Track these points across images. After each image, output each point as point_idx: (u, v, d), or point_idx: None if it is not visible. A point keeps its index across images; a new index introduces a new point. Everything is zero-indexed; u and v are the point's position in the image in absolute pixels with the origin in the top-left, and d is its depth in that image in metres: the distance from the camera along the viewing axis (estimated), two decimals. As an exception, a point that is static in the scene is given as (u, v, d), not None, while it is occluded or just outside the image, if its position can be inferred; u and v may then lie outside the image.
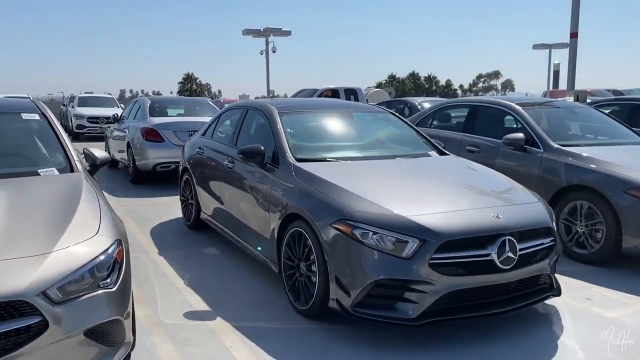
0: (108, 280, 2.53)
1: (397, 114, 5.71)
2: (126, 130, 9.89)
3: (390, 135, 5.23)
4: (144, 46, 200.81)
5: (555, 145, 5.44)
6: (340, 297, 3.33)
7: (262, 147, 4.37)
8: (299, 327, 3.57)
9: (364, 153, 4.64)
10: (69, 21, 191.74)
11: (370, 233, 3.24)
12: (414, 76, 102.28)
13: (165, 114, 10.15)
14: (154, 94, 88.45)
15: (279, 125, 4.55)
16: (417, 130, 5.28)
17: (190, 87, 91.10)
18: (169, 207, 7.23)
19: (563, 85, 20.53)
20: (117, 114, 11.69)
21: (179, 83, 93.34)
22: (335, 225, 3.36)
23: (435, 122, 7.49)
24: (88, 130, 18.22)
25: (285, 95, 44.78)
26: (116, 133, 10.70)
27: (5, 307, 2.19)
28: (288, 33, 36.04)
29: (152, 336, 3.41)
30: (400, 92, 79.21)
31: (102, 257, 2.53)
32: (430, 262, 3.16)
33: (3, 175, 3.26)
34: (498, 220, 3.38)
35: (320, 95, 17.87)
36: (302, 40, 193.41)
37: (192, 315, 3.75)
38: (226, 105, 6.58)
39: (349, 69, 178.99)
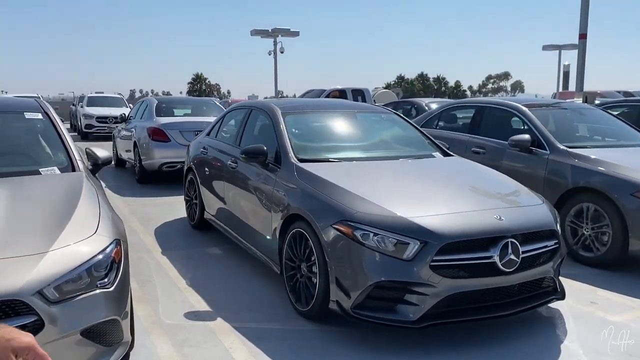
0: (106, 280, 2.52)
1: (401, 114, 5.68)
2: (133, 130, 9.93)
3: (394, 136, 5.20)
4: (155, 47, 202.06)
5: (562, 147, 5.38)
6: (340, 299, 3.31)
7: (265, 147, 4.36)
8: (300, 328, 3.55)
9: (367, 154, 4.62)
10: (83, 22, 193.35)
11: (371, 234, 3.21)
12: (422, 77, 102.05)
13: (172, 114, 10.17)
14: (163, 94, 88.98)
15: (282, 126, 4.53)
16: (421, 131, 5.24)
17: (200, 87, 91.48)
18: (174, 206, 7.24)
19: (573, 86, 20.34)
20: (124, 114, 11.74)
21: (188, 83, 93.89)
22: (336, 226, 3.34)
23: (441, 123, 7.44)
24: (96, 129, 18.32)
25: (294, 96, 44.76)
26: (123, 133, 10.74)
27: (0, 306, 2.19)
28: (296, 34, 36.06)
29: (152, 336, 3.41)
30: (409, 93, 79.06)
31: (100, 257, 2.52)
32: (432, 264, 3.13)
33: (4, 174, 3.26)
34: (500, 222, 3.34)
35: (327, 96, 17.85)
36: (311, 41, 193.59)
37: (193, 315, 3.75)
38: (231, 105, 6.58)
39: (358, 69, 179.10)
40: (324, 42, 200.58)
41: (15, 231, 2.55)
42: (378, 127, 5.31)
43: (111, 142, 12.12)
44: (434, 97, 67.76)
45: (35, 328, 2.24)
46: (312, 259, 3.53)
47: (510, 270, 3.26)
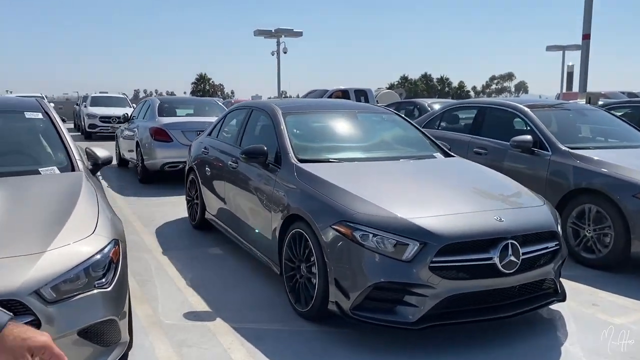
0: (103, 280, 2.52)
1: (402, 115, 5.67)
2: (135, 130, 9.94)
3: (395, 136, 5.19)
4: (159, 47, 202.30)
5: (564, 148, 5.35)
6: (339, 300, 3.30)
7: (265, 148, 4.35)
8: (299, 329, 3.54)
9: (368, 154, 4.61)
10: (88, 22, 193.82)
11: (371, 235, 3.20)
12: (426, 77, 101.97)
13: (174, 114, 10.19)
14: (167, 94, 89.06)
15: (282, 126, 4.53)
16: (422, 132, 5.23)
17: (204, 87, 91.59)
18: (176, 206, 7.24)
19: (577, 87, 20.29)
20: (127, 114, 11.76)
21: (192, 83, 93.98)
22: (335, 227, 3.33)
23: (443, 124, 7.42)
24: (100, 129, 18.37)
25: (297, 96, 44.82)
26: (126, 133, 10.76)
27: (-3, 306, 2.19)
28: (299, 34, 36.05)
29: (151, 336, 3.40)
30: (413, 93, 78.96)
31: (97, 257, 2.52)
32: (431, 265, 3.11)
33: (4, 174, 3.27)
34: (500, 224, 3.32)
35: (330, 96, 17.86)
36: (314, 41, 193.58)
37: (192, 315, 3.74)
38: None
39: (361, 69, 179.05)
40: (327, 42, 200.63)
41: (12, 231, 2.55)
42: (379, 128, 5.30)
43: (114, 142, 12.15)
44: (438, 97, 67.72)
45: (32, 328, 2.23)
46: (312, 259, 3.52)
47: (510, 271, 3.24)
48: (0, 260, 2.32)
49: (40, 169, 3.40)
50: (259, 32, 35.45)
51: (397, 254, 3.14)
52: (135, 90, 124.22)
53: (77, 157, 3.60)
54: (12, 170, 3.35)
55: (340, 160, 4.32)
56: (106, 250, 2.57)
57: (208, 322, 3.63)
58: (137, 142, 9.60)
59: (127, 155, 10.62)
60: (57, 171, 3.43)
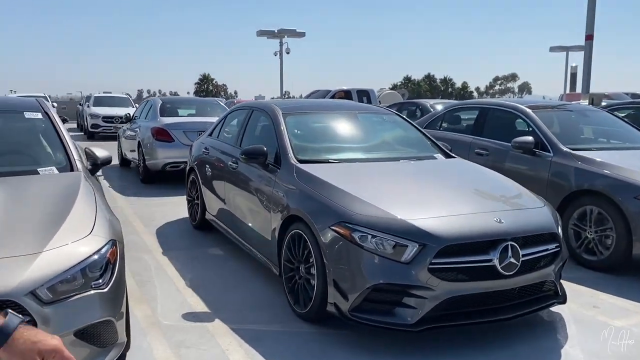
0: (100, 280, 2.51)
1: (403, 115, 5.65)
2: (137, 130, 9.95)
3: (396, 137, 5.17)
4: (163, 48, 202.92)
5: (565, 149, 5.33)
6: (338, 301, 3.29)
7: (265, 148, 4.34)
8: (298, 330, 3.53)
9: (368, 155, 4.59)
10: (90, 22, 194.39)
11: (370, 236, 3.18)
12: (429, 78, 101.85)
13: (176, 114, 10.19)
14: (170, 94, 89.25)
15: (282, 126, 4.52)
16: (423, 133, 5.21)
17: (207, 87, 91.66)
18: (177, 206, 7.24)
19: (580, 88, 20.23)
20: (129, 114, 11.77)
21: (195, 84, 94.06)
22: (334, 228, 3.31)
23: (444, 125, 7.40)
24: (103, 129, 18.40)
25: (300, 96, 44.77)
26: (128, 132, 10.77)
27: (-8, 307, 2.19)
28: (302, 34, 36.07)
29: (149, 337, 3.39)
30: (416, 94, 78.89)
31: (94, 257, 2.51)
32: (430, 266, 3.09)
33: (3, 174, 3.26)
34: (500, 225, 3.30)
35: (333, 97, 17.84)
36: (317, 41, 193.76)
37: (191, 316, 3.73)
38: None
39: (365, 70, 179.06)
40: (330, 42, 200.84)
41: (9, 231, 2.54)
42: (379, 128, 5.28)
43: (116, 142, 12.16)
44: (441, 98, 67.61)
45: (28, 329, 2.23)
46: (311, 260, 3.50)
47: (510, 273, 3.22)
48: None
49: (39, 169, 3.40)
50: (261, 33, 35.47)
51: (396, 256, 3.13)
52: (138, 90, 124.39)
53: (76, 157, 3.59)
54: (10, 170, 3.35)
55: (340, 160, 4.31)
56: (103, 250, 2.57)
57: (207, 323, 3.62)
58: (138, 142, 9.61)
59: (129, 155, 10.62)
60: (56, 171, 3.43)
